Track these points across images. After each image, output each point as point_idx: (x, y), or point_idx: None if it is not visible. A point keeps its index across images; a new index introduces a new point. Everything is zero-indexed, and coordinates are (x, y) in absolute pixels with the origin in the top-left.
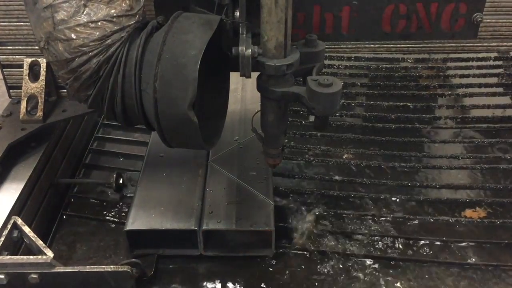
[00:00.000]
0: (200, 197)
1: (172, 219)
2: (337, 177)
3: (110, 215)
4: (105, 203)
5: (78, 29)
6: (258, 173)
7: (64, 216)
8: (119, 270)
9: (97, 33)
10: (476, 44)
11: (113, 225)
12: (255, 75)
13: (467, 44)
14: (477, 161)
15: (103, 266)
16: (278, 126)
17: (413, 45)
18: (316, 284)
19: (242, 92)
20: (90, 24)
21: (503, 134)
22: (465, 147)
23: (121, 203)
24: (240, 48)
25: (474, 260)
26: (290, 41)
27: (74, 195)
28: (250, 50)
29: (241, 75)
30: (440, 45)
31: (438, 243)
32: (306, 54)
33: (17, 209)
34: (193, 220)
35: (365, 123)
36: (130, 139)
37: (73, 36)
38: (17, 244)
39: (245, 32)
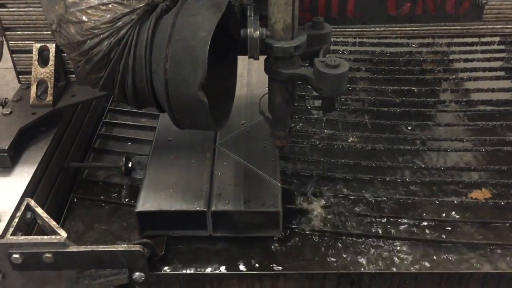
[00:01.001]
0: (208, 179)
1: (181, 201)
2: (342, 160)
3: (119, 198)
4: (114, 187)
5: (89, 11)
6: (265, 155)
7: (75, 199)
8: (132, 249)
9: (108, 15)
10: (480, 27)
11: (123, 208)
12: (261, 59)
13: (472, 27)
14: (481, 143)
15: (116, 246)
16: (285, 108)
17: (418, 28)
18: (324, 263)
19: (248, 77)
20: (101, 6)
21: (507, 117)
22: (470, 130)
23: (130, 187)
24: (248, 30)
25: (480, 239)
26: (298, 23)
27: (84, 179)
28: (258, 32)
29: (249, 57)
30: (445, 28)
31: (444, 223)
32: (313, 36)
33: (29, 191)
34: (202, 201)
35: (370, 107)
36: (138, 124)
37: (84, 18)
38: (30, 226)
39: (253, 14)
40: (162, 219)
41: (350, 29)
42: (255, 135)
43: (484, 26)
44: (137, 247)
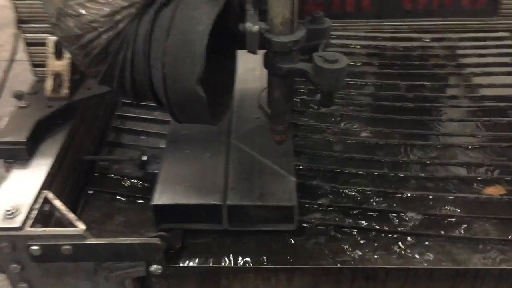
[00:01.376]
0: (223, 173)
1: (197, 194)
2: (356, 155)
3: (134, 191)
4: (129, 180)
5: (88, 4)
6: (279, 150)
7: (90, 192)
8: (150, 242)
9: (107, 8)
10: (496, 22)
11: (138, 201)
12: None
13: (488, 22)
14: (494, 139)
15: (134, 238)
16: (284, 102)
17: (434, 23)
18: (339, 257)
19: (261, 71)
20: (100, 0)
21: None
22: (483, 126)
23: (145, 180)
24: (247, 24)
25: (496, 235)
26: (297, 18)
27: (99, 172)
28: (257, 26)
29: (248, 51)
30: (461, 23)
31: (459, 218)
32: (313, 31)
33: (46, 184)
34: (218, 195)
35: (383, 102)
36: (151, 117)
37: (83, 11)
38: (47, 218)
39: (252, 9)
40: (177, 213)
41: (365, 24)
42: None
43: (499, 22)
44: (155, 240)
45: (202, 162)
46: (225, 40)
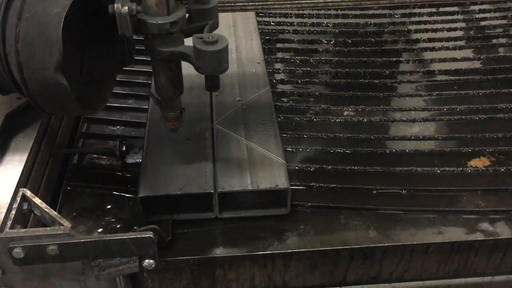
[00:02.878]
0: (210, 159)
1: (186, 183)
2: (341, 134)
3: (114, 184)
4: (108, 172)
5: None
6: (265, 132)
7: (68, 188)
8: (143, 236)
9: None
10: None
11: (120, 194)
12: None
13: None
14: (474, 112)
15: (126, 234)
16: (172, 88)
17: None
18: (334, 239)
19: (237, 53)
20: None
21: (472, 86)
22: (461, 98)
23: (125, 171)
24: (116, 5)
25: (485, 206)
26: None
27: (75, 165)
28: (127, 7)
29: (120, 35)
30: None
31: (447, 192)
32: (197, 11)
33: (23, 181)
34: (207, 183)
35: (361, 80)
36: (124, 105)
37: None
38: (26, 217)
39: None
40: (166, 203)
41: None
42: (253, 112)
43: None
44: (148, 234)
45: (187, 149)
46: (105, 25)
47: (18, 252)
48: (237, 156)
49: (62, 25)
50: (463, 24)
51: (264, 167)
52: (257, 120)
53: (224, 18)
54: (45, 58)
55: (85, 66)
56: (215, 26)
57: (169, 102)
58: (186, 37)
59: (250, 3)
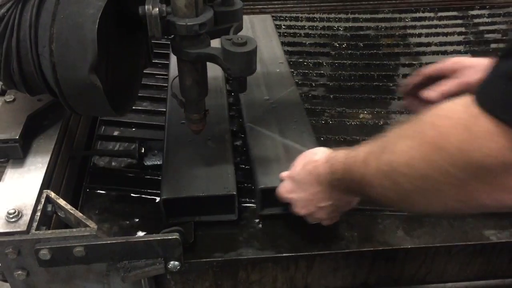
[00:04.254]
0: (231, 161)
1: (208, 185)
2: (357, 137)
3: (133, 186)
4: (127, 174)
5: None
6: (299, 130)
7: (88, 190)
8: (169, 238)
9: None
10: None
11: (139, 196)
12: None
13: None
14: None
15: (152, 235)
16: (197, 89)
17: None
18: (357, 241)
19: (259, 54)
20: None
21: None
22: None
23: (144, 173)
24: (146, 7)
25: None
26: None
27: (94, 167)
28: (157, 9)
29: (150, 36)
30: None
31: None
32: (223, 13)
33: (45, 183)
34: (229, 184)
35: (376, 83)
36: (139, 108)
37: None
38: (50, 219)
39: None
40: (188, 205)
41: (366, 2)
42: (283, 110)
43: None
44: (174, 235)
45: (206, 151)
46: (130, 26)
47: (44, 253)
48: (274, 153)
49: (97, 26)
50: (476, 29)
51: None
52: (288, 118)
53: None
54: (80, 58)
55: (110, 66)
56: (240, 28)
57: (193, 104)
58: (212, 38)
59: (269, 6)
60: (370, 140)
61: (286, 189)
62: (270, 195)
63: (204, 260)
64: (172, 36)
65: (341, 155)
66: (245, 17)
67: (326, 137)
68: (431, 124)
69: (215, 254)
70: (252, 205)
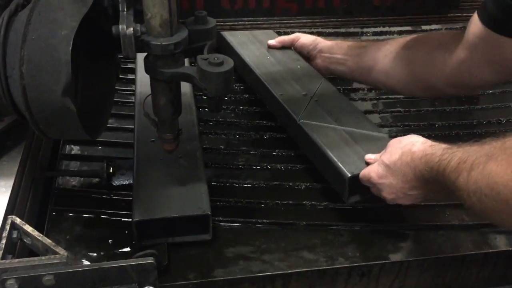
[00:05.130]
0: (204, 179)
1: (181, 205)
2: None
3: (101, 207)
4: (95, 195)
5: None
6: (352, 116)
7: (54, 213)
8: (143, 262)
9: None
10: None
11: (108, 217)
12: None
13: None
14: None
15: (125, 260)
16: (171, 109)
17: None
18: (333, 257)
19: (273, 57)
20: None
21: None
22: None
23: (113, 194)
24: (120, 26)
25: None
26: (177, 18)
27: (59, 189)
28: (132, 29)
29: (124, 56)
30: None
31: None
32: (196, 32)
33: (10, 208)
34: (203, 204)
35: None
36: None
37: None
38: (15, 247)
39: (125, 9)
40: (161, 227)
41: (335, 19)
42: (326, 101)
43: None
44: (149, 260)
45: (179, 169)
46: (100, 45)
47: (11, 284)
48: (343, 141)
49: (70, 48)
50: None
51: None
52: (335, 107)
53: (243, 34)
54: (53, 81)
55: (80, 88)
56: (214, 46)
57: (167, 124)
58: (185, 57)
59: (239, 23)
60: (463, 144)
61: (378, 174)
62: (355, 182)
63: (179, 283)
64: (145, 55)
65: (437, 154)
66: (246, 32)
67: None
68: None
69: (190, 276)
70: (226, 224)
